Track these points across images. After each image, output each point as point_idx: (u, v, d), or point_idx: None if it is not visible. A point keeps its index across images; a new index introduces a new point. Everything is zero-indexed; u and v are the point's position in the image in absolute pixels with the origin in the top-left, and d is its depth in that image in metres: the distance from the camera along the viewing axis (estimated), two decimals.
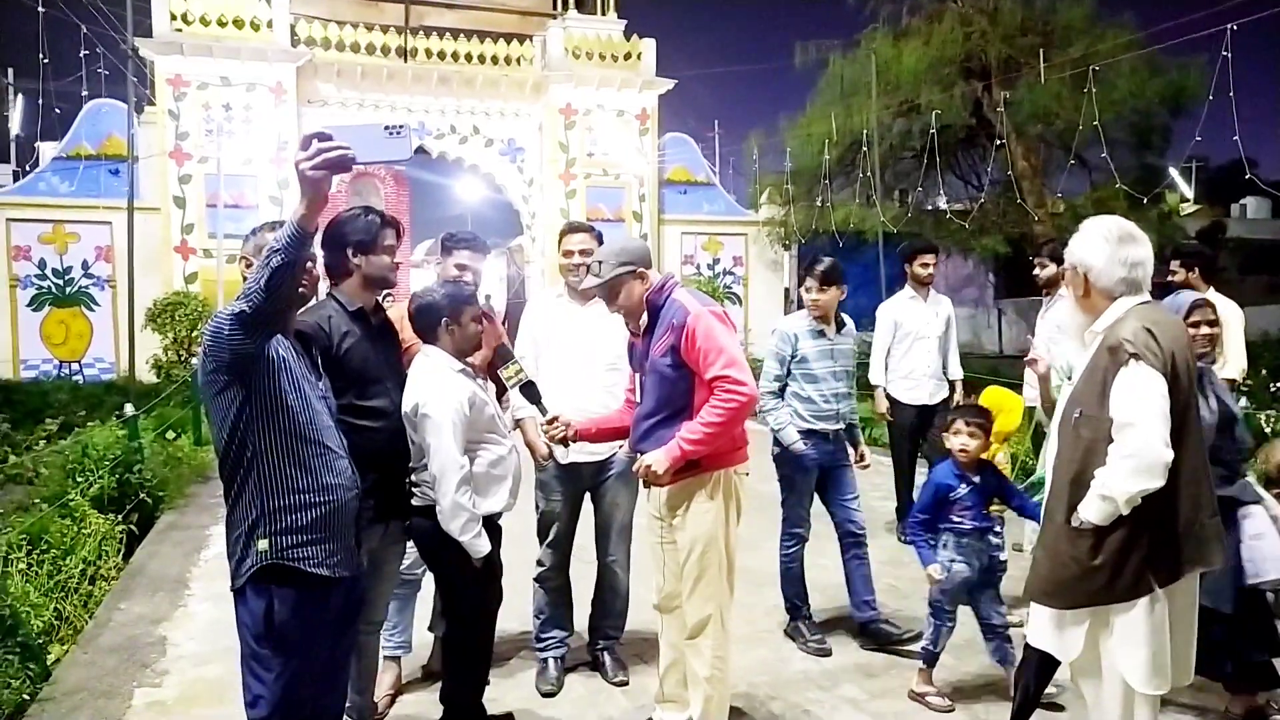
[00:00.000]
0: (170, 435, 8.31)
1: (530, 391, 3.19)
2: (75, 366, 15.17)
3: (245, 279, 2.43)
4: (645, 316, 3.07)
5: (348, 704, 3.00)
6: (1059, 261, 4.99)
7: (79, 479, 5.97)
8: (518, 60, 17.56)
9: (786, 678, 3.82)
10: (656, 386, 3.01)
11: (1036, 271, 5.38)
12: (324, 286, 2.92)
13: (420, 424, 2.81)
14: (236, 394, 2.18)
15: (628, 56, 17.87)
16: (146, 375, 13.76)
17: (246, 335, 2.11)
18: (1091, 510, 2.38)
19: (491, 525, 3.00)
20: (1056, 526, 2.50)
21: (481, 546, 2.86)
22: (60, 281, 15.12)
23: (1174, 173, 19.01)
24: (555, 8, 18.78)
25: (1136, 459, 2.31)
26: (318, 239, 2.49)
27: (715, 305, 3.04)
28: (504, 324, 4.15)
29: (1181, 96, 16.18)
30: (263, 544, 2.20)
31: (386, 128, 2.17)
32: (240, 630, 2.27)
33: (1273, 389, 10.67)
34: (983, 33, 17.09)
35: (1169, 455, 2.31)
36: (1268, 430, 7.66)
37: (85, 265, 15.21)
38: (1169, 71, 16.24)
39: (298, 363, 2.31)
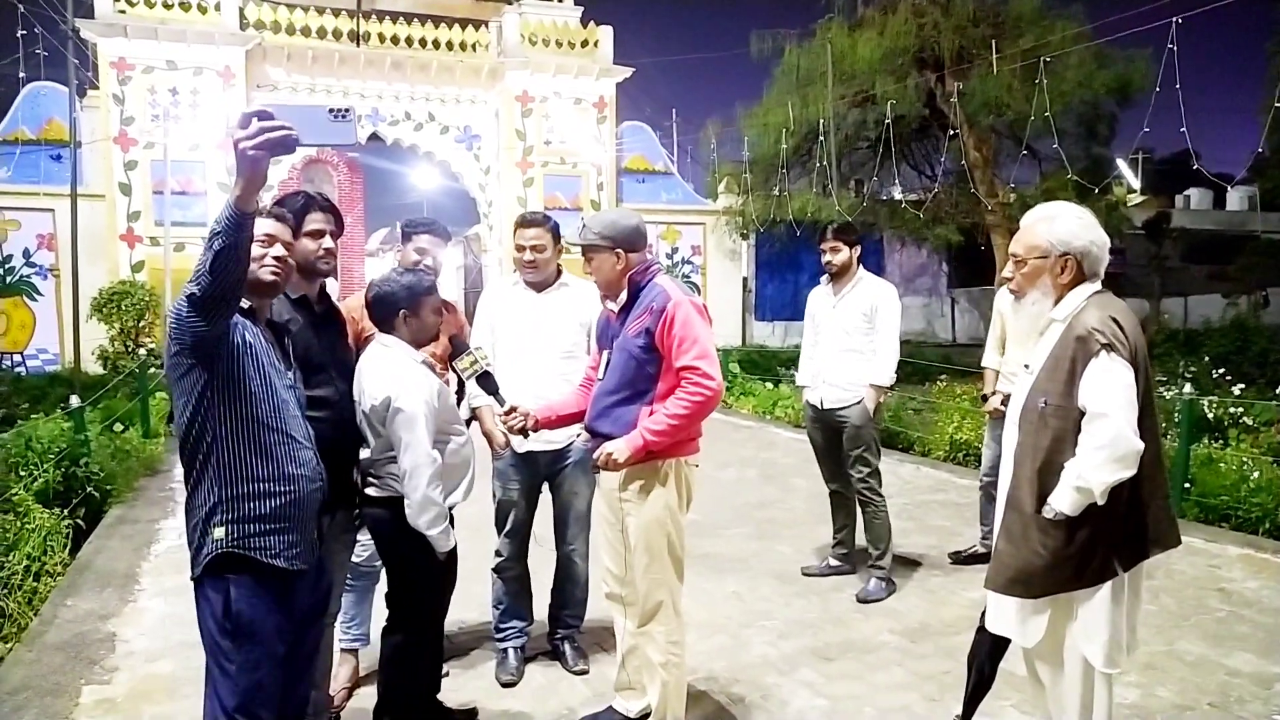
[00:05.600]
0: (118, 428, 8.11)
1: (487, 382, 3.15)
2: (18, 358, 14.77)
3: None
4: (625, 295, 3.07)
5: None
6: (851, 244, 4.71)
7: (22, 472, 5.81)
8: (473, 46, 17.37)
9: (745, 662, 3.84)
10: (622, 365, 3.01)
11: (828, 258, 4.74)
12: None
13: (392, 418, 2.73)
14: (199, 377, 2.13)
15: (585, 43, 17.77)
16: (92, 366, 13.43)
17: (201, 318, 2.06)
18: (1065, 501, 2.40)
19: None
20: (1025, 517, 2.50)
21: (448, 542, 2.83)
22: (1, 271, 14.68)
23: (1121, 164, 19.42)
24: None
25: (1111, 449, 2.33)
26: None
27: (697, 298, 3.05)
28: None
29: (1128, 88, 16.55)
30: (219, 531, 2.15)
31: (331, 110, 2.07)
32: (201, 621, 2.23)
33: (1214, 375, 10.98)
34: (935, 24, 17.29)
35: (1141, 445, 2.35)
36: (1209, 416, 7.88)
37: (27, 254, 14.80)
38: (1117, 63, 16.59)
39: (266, 350, 2.26)
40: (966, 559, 5.12)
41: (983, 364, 5.23)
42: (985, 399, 5.14)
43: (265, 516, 2.19)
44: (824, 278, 4.90)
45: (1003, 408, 4.88)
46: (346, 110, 2.08)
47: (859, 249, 4.75)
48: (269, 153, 1.95)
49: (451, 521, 3.00)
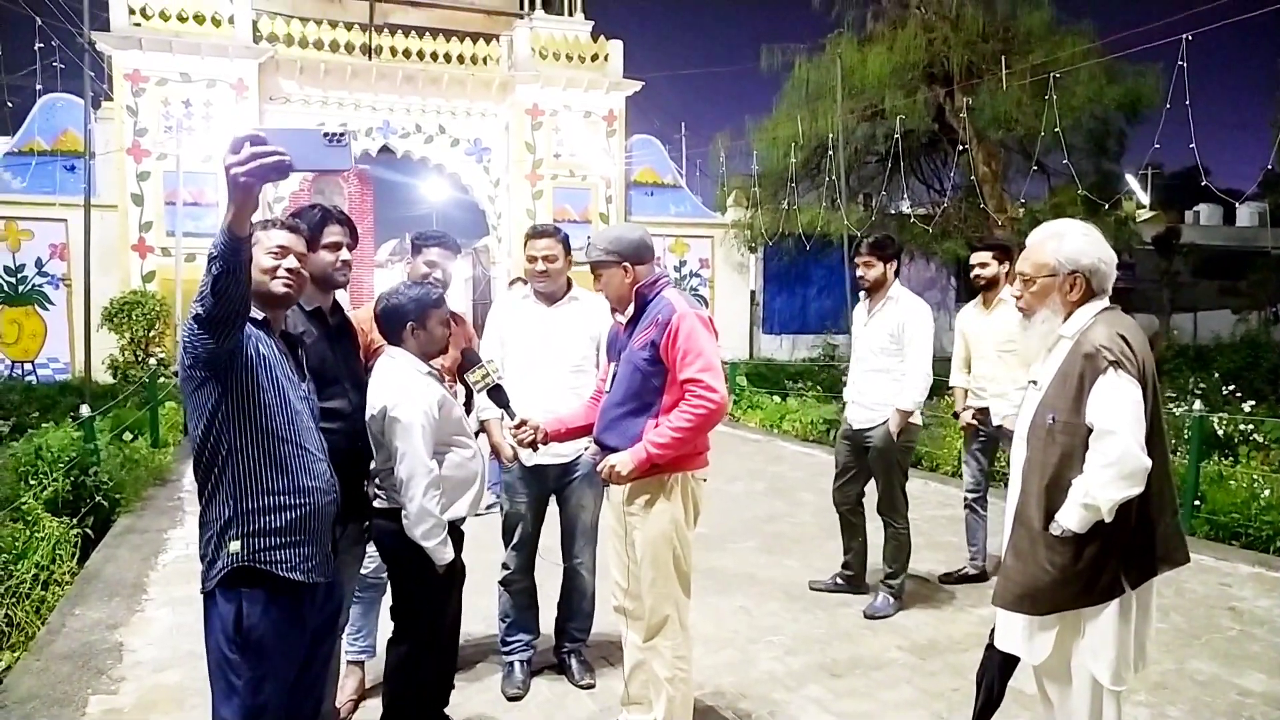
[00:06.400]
0: (127, 437, 8.15)
1: (498, 395, 3.16)
2: (29, 367, 14.85)
3: None
4: (633, 307, 3.08)
5: None
6: (886, 260, 4.57)
7: (32, 481, 5.84)
8: (484, 60, 17.49)
9: (752, 678, 3.83)
10: (628, 378, 3.01)
11: (861, 273, 4.63)
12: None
13: (389, 427, 2.76)
14: (213, 390, 2.13)
15: (595, 57, 17.87)
16: (103, 376, 13.51)
17: (209, 336, 2.06)
18: (1073, 518, 2.40)
19: (454, 530, 2.96)
20: (1033, 534, 2.50)
21: (446, 554, 2.82)
22: (13, 280, 14.80)
23: (1131, 179, 19.40)
24: (522, 7, 18.77)
25: (1119, 466, 2.33)
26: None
27: (703, 310, 3.06)
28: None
29: (1138, 104, 16.56)
30: (235, 545, 2.14)
31: (326, 135, 2.04)
32: (209, 635, 2.21)
33: (1224, 392, 10.93)
34: (945, 39, 17.34)
35: (1149, 462, 2.35)
36: (1220, 432, 7.84)
37: (39, 263, 14.90)
38: (1126, 79, 16.61)
39: (279, 362, 2.27)
40: (958, 580, 5.08)
41: (950, 383, 5.25)
42: (957, 416, 5.18)
43: (281, 530, 2.18)
44: (861, 293, 4.79)
45: (974, 421, 4.93)
46: (342, 134, 2.05)
47: (895, 264, 4.60)
48: (261, 179, 1.92)
49: (462, 535, 3.01)
